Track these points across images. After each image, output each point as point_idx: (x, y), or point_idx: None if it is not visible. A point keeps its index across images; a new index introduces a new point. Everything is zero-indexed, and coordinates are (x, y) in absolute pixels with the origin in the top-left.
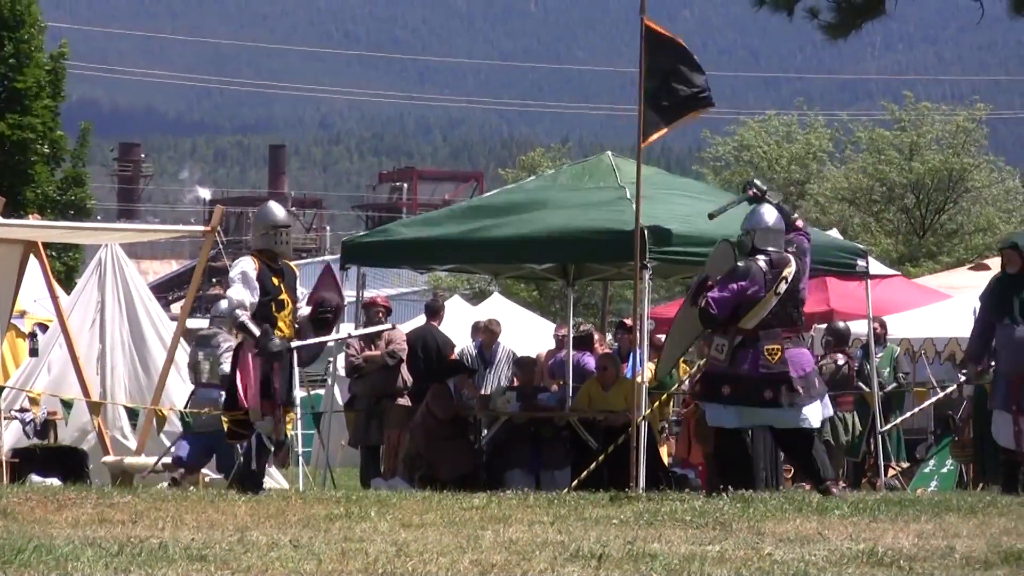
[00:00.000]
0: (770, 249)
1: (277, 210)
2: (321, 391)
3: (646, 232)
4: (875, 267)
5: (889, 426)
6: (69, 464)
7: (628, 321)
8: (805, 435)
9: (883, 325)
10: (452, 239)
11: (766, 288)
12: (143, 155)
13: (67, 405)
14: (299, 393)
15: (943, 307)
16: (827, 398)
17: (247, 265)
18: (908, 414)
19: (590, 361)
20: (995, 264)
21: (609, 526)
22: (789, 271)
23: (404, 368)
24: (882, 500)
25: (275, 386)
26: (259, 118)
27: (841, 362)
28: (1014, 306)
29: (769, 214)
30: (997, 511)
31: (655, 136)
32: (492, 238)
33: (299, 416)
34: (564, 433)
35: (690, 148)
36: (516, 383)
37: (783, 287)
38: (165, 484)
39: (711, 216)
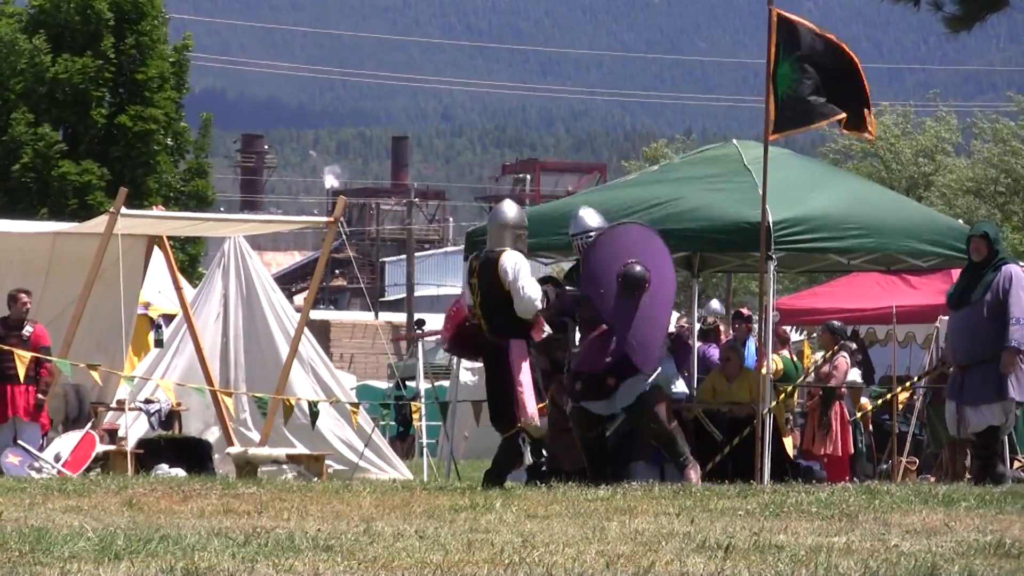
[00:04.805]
0: None
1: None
2: (446, 382)
3: (771, 223)
4: None
5: None
6: (193, 455)
7: (745, 311)
8: None
9: None
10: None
11: None
12: (266, 147)
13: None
14: (424, 385)
15: None
16: None
17: (520, 259)
18: None
19: (715, 353)
20: None
21: (735, 517)
22: None
23: None
24: (1009, 492)
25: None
26: (381, 110)
27: None
28: None
29: (592, 218)
30: None
31: (790, 132)
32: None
33: (423, 407)
34: (688, 425)
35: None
36: None
37: None
38: (290, 476)
39: None
